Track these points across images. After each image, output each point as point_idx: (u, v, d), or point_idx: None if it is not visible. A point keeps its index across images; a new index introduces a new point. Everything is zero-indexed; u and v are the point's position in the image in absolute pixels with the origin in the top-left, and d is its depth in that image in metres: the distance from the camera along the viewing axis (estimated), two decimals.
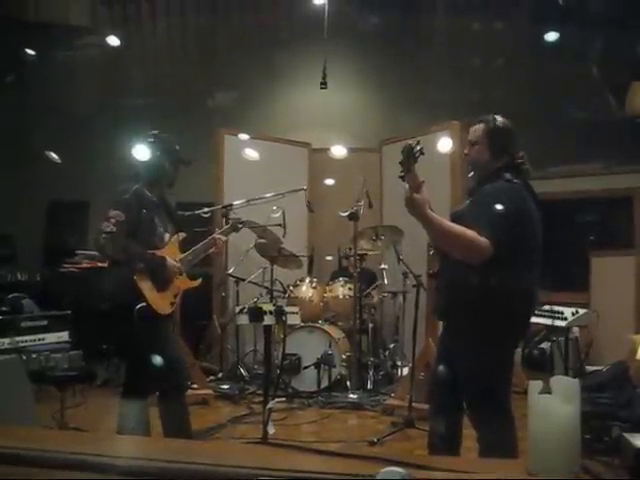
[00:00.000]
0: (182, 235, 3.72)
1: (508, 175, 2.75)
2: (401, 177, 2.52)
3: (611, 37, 6.52)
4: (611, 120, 6.70)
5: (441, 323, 3.19)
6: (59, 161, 7.14)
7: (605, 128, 6.56)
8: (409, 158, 2.49)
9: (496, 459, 1.82)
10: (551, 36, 6.93)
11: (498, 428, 2.67)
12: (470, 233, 2.55)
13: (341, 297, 6.19)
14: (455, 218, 2.76)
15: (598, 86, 6.83)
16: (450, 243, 2.67)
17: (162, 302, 3.46)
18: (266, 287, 6.01)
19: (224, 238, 3.97)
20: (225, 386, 5.78)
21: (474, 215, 2.68)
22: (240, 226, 4.17)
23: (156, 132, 3.65)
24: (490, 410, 2.71)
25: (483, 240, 2.53)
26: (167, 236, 3.61)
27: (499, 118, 2.88)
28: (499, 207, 2.61)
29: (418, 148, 2.47)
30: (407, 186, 2.53)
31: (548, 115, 6.73)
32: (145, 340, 3.29)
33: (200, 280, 3.82)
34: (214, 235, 3.90)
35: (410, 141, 2.52)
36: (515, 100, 6.48)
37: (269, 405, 3.53)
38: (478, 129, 2.88)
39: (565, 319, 5.37)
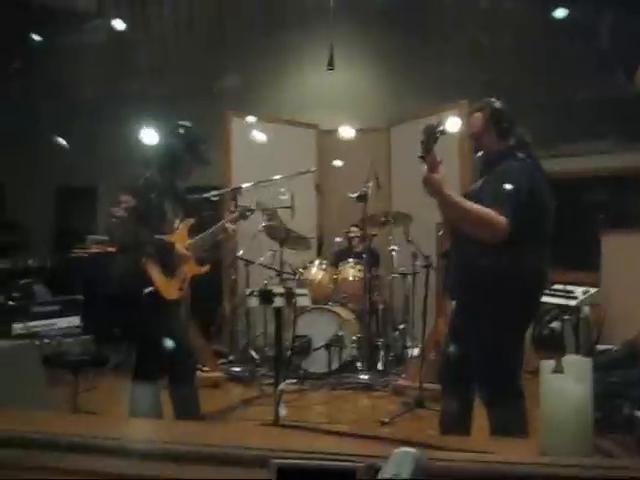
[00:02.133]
0: (191, 221, 3.72)
1: (520, 154, 2.75)
2: (421, 157, 2.53)
3: (621, 14, 6.44)
4: (622, 97, 6.63)
5: (452, 302, 3.19)
6: (67, 147, 7.15)
7: (616, 106, 6.50)
8: (429, 138, 2.49)
9: (508, 438, 1.83)
10: (561, 13, 6.85)
11: (509, 407, 2.68)
12: (488, 212, 2.56)
13: (351, 279, 6.19)
14: (469, 198, 2.75)
15: (608, 63, 6.75)
16: (468, 222, 2.68)
17: (170, 287, 3.48)
18: (276, 269, 6.01)
19: (233, 226, 3.97)
20: (236, 368, 5.81)
21: (490, 194, 2.68)
22: (248, 214, 4.16)
23: (188, 124, 3.63)
24: (502, 388, 2.72)
25: (501, 218, 2.54)
26: (177, 222, 3.62)
27: (496, 100, 2.89)
28: (514, 186, 2.61)
29: (440, 128, 2.47)
30: (425, 166, 2.53)
31: (557, 93, 6.67)
32: (153, 324, 3.32)
33: (208, 266, 3.83)
34: (223, 222, 3.89)
35: (432, 120, 2.52)
36: (525, 78, 6.42)
37: (280, 387, 3.54)
38: (478, 118, 2.90)
39: (576, 298, 5.36)
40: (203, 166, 3.68)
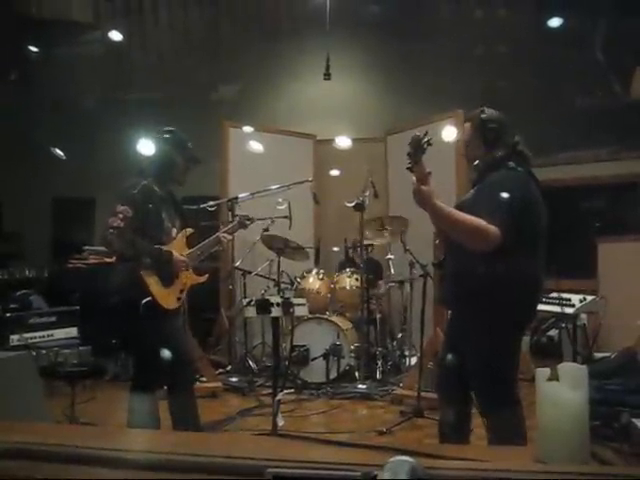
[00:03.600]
0: (189, 230, 3.72)
1: (511, 163, 2.77)
2: (409, 168, 2.53)
3: (615, 21, 6.48)
4: (617, 105, 6.67)
5: (448, 312, 3.19)
6: (64, 158, 7.16)
7: (611, 113, 6.53)
8: (417, 149, 2.49)
9: (505, 446, 1.83)
10: (556, 21, 6.89)
11: (506, 415, 2.68)
12: (479, 221, 2.57)
13: (348, 288, 6.19)
14: (461, 208, 2.76)
15: (603, 71, 6.79)
16: (460, 232, 2.68)
17: (168, 297, 3.47)
18: (273, 279, 6.02)
19: (229, 237, 3.97)
20: (234, 379, 5.80)
21: (481, 204, 2.68)
22: (248, 223, 4.16)
23: (171, 129, 3.65)
24: (498, 397, 2.72)
25: (492, 228, 2.54)
26: (174, 231, 3.62)
27: (486, 110, 2.90)
28: (505, 195, 2.62)
29: (426, 139, 2.47)
30: (414, 178, 2.53)
31: (554, 101, 6.70)
32: (151, 335, 3.31)
33: (207, 276, 3.83)
34: (219, 233, 3.90)
35: (417, 132, 2.52)
36: (520, 87, 6.45)
37: (278, 397, 3.53)
38: (466, 128, 2.95)
39: (573, 306, 5.35)
40: (194, 165, 3.69)
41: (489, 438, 2.72)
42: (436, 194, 2.58)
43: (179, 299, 3.58)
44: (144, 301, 3.27)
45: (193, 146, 3.68)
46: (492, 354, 2.67)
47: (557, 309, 5.37)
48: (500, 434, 2.64)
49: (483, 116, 2.87)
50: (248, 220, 4.15)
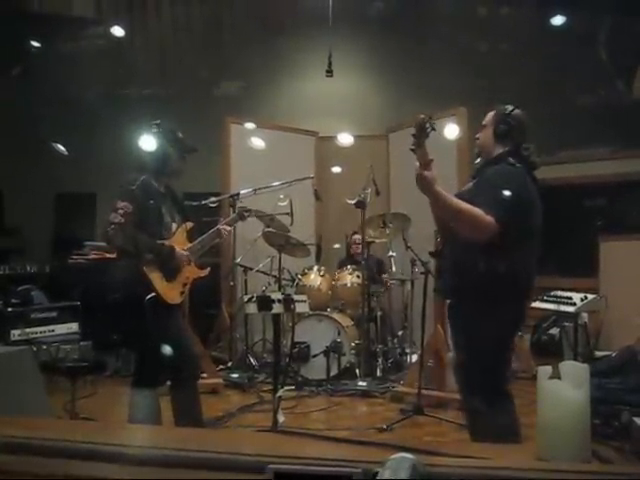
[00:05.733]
0: (189, 225, 3.72)
1: (511, 159, 2.85)
2: (412, 150, 2.59)
3: (618, 20, 6.46)
4: (620, 104, 6.66)
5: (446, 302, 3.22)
6: (66, 153, 7.15)
7: (614, 112, 6.52)
8: (421, 132, 2.54)
9: (506, 444, 1.83)
10: (559, 19, 6.87)
11: (493, 409, 2.69)
12: (477, 210, 2.64)
13: (349, 285, 6.19)
14: (460, 199, 2.80)
15: (606, 70, 6.77)
16: (457, 219, 2.76)
17: (171, 292, 3.47)
18: (274, 276, 6.01)
19: (229, 228, 3.97)
20: (235, 375, 5.80)
21: (478, 195, 2.76)
22: (246, 215, 4.15)
23: (158, 121, 3.64)
24: (485, 390, 2.73)
25: (489, 218, 2.61)
26: (174, 226, 3.62)
27: (512, 107, 2.98)
28: (502, 188, 2.70)
29: (429, 123, 2.51)
30: (417, 163, 2.57)
31: (556, 99, 6.68)
32: (156, 330, 3.30)
33: (208, 269, 3.82)
34: (219, 225, 3.90)
35: (422, 115, 2.56)
36: (523, 85, 6.43)
37: (278, 393, 3.53)
38: (490, 114, 3.02)
39: (574, 305, 5.36)
40: (189, 154, 3.67)
41: (476, 433, 2.76)
42: (437, 180, 2.64)
43: (182, 294, 3.58)
44: (148, 297, 3.27)
45: (185, 136, 3.66)
46: (480, 345, 2.72)
47: (558, 307, 5.38)
48: (487, 428, 2.66)
49: (506, 110, 2.95)
50: (246, 212, 4.14)
